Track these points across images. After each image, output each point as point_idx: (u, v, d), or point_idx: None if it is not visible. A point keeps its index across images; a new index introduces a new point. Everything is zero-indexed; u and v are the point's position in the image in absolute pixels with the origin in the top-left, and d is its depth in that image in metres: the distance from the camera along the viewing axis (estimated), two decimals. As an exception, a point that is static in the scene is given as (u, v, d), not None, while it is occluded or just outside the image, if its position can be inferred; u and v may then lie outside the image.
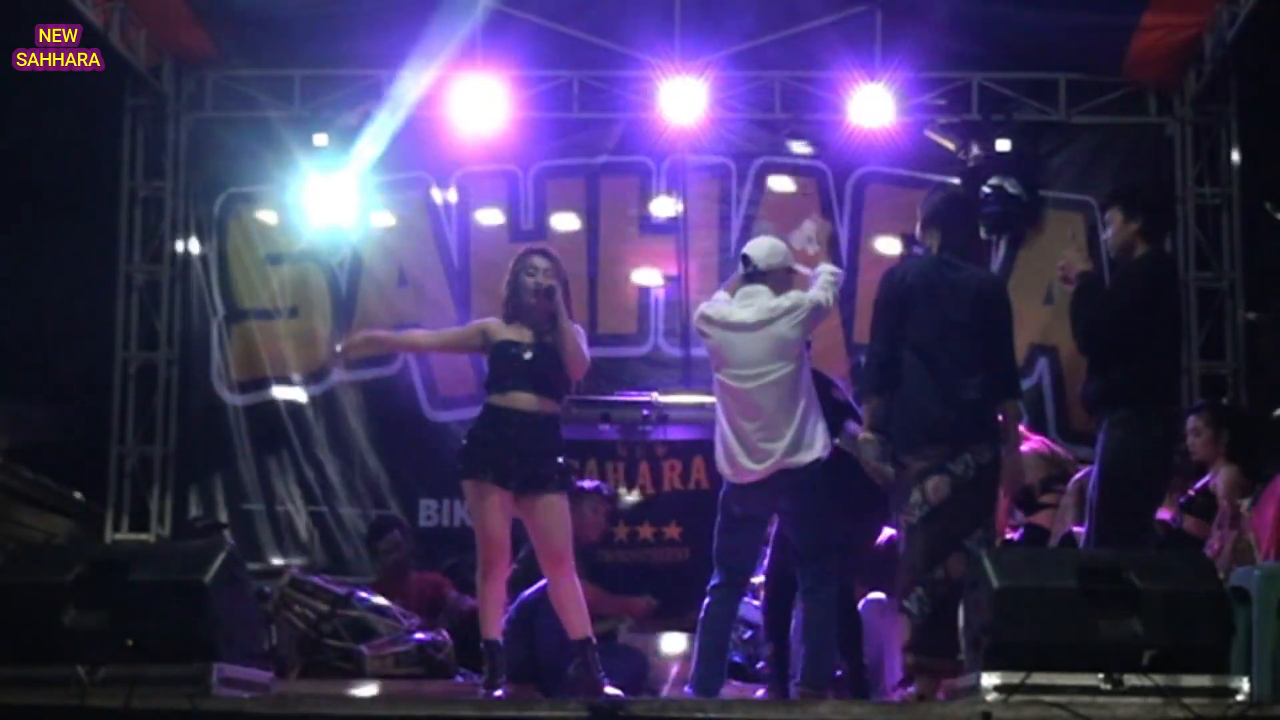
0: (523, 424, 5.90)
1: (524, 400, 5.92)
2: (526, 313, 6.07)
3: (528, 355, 5.98)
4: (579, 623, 5.95)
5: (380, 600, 7.29)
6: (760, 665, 6.88)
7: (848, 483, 6.02)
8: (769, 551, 6.55)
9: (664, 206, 9.71)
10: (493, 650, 5.91)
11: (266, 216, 9.83)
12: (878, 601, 6.88)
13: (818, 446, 5.99)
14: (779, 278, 6.19)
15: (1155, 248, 5.81)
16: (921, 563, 5.61)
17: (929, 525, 5.61)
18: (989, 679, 4.28)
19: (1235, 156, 9.50)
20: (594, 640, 5.98)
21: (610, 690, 5.71)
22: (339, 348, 6.89)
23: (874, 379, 5.86)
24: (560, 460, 5.98)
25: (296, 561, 9.06)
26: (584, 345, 6.09)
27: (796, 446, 5.96)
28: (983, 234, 9.44)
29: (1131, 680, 4.26)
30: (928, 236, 6.00)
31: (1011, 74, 9.71)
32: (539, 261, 6.12)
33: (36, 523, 10.80)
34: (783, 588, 6.44)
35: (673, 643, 7.54)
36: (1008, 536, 6.88)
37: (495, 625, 5.94)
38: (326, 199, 9.54)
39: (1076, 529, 6.42)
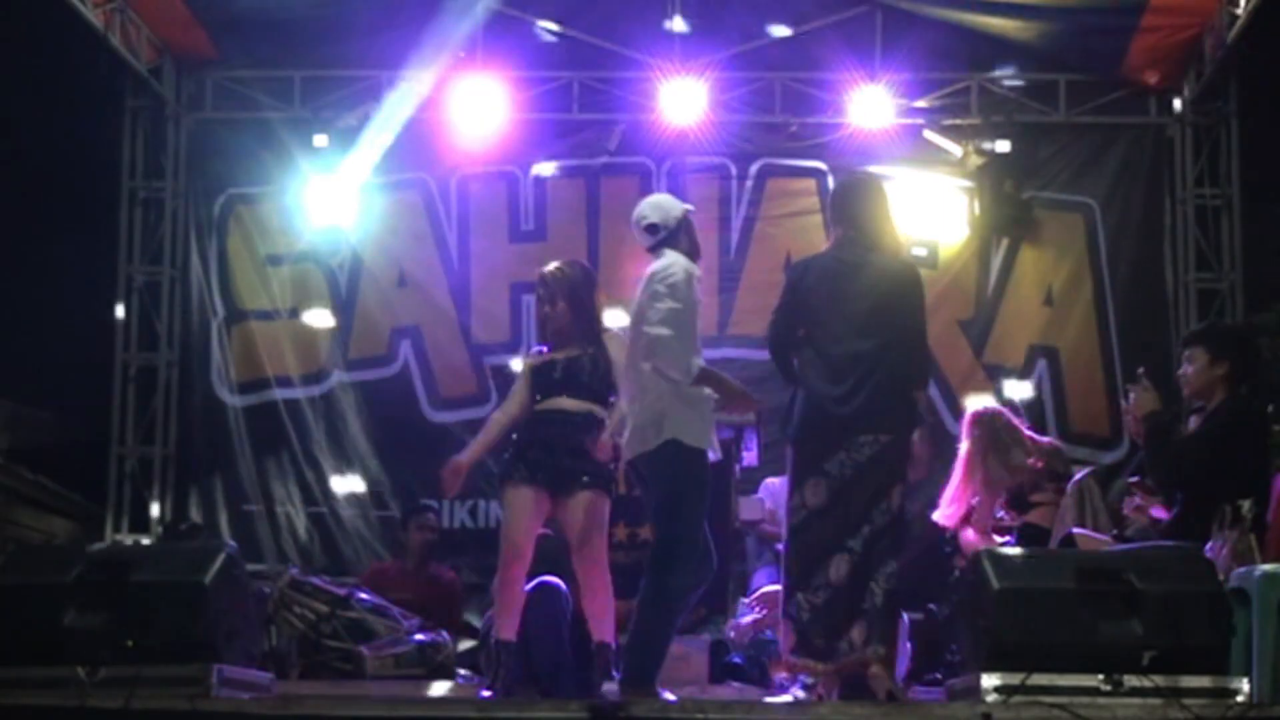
0: (556, 422, 5.89)
1: (561, 403, 5.93)
2: (552, 336, 6.12)
3: (557, 374, 5.99)
4: (603, 626, 5.92)
5: (380, 601, 7.28)
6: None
7: None
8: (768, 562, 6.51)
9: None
10: (505, 651, 5.89)
11: (266, 217, 9.83)
12: None
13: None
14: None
15: (1235, 391, 5.64)
16: (799, 569, 5.48)
17: (806, 531, 5.50)
18: (989, 680, 4.27)
19: (1235, 157, 9.50)
20: (613, 646, 5.96)
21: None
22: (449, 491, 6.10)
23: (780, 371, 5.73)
24: (598, 459, 5.91)
25: (296, 562, 9.06)
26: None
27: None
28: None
29: (1131, 681, 4.26)
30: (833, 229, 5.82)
31: (1011, 75, 9.71)
32: (539, 290, 6.15)
33: (36, 523, 10.82)
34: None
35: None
36: (996, 538, 6.84)
37: (510, 627, 5.92)
38: (326, 199, 9.53)
39: (1077, 530, 6.41)
